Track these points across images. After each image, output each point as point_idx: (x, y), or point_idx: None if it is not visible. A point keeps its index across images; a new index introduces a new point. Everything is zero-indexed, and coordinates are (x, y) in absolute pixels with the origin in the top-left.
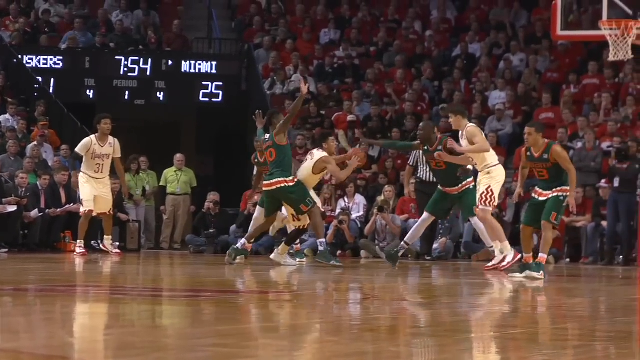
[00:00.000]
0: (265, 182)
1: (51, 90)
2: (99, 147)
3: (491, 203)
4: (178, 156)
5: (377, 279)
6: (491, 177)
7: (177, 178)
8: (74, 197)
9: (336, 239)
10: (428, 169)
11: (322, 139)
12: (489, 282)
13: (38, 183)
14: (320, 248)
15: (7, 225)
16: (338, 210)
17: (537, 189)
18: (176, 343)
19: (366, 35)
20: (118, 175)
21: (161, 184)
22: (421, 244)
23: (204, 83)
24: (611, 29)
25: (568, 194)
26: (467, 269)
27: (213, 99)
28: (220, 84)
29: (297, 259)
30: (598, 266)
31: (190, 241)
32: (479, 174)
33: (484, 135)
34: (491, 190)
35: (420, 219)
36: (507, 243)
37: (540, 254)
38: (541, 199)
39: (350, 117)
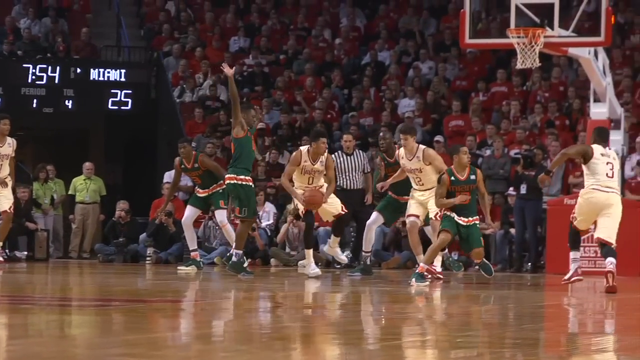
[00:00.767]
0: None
1: None
2: None
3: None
4: (87, 164)
5: (286, 287)
6: None
7: (86, 186)
8: None
9: (246, 247)
10: (349, 177)
11: (314, 138)
12: (399, 290)
13: None
14: (234, 258)
15: None
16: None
17: None
18: (84, 353)
19: (276, 43)
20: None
21: (70, 192)
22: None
23: (112, 91)
24: (519, 37)
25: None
26: (376, 277)
27: (122, 107)
28: (130, 92)
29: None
30: (507, 273)
31: (99, 250)
32: (427, 191)
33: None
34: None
35: (369, 221)
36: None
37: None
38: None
39: (259, 125)
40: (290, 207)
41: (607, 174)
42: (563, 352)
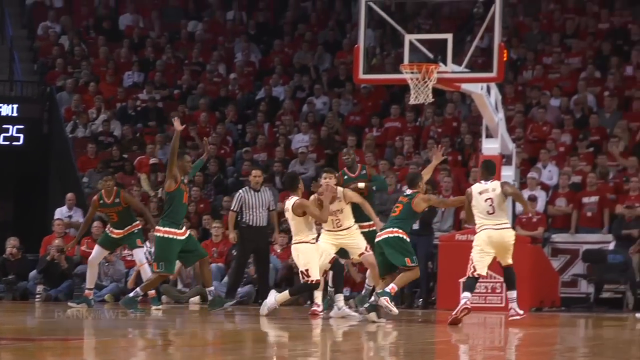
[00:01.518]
0: None
1: None
2: None
3: None
4: None
5: (177, 324)
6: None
7: None
8: None
9: (137, 283)
10: (255, 213)
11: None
12: (290, 326)
13: None
14: (131, 294)
15: None
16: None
17: None
18: None
19: (170, 78)
20: None
21: None
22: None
23: (4, 126)
24: (412, 73)
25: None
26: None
27: (13, 142)
28: (22, 127)
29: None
30: (398, 309)
31: None
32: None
33: None
34: None
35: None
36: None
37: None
38: None
39: (152, 160)
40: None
41: (487, 212)
42: None
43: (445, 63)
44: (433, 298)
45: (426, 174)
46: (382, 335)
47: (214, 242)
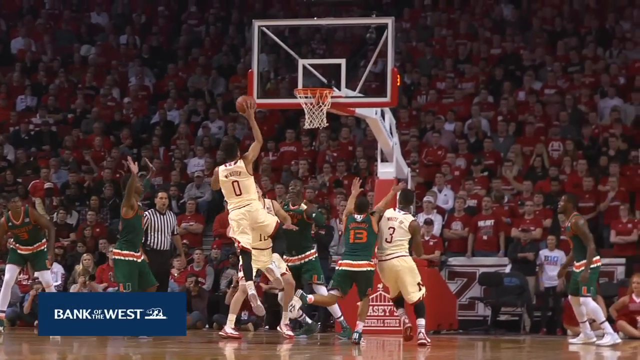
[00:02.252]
0: None
1: None
2: None
3: None
4: None
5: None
6: None
7: None
8: None
9: (34, 309)
10: (160, 236)
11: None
12: (203, 350)
13: None
14: None
15: None
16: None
17: None
18: None
19: (63, 102)
20: None
21: None
22: None
23: None
24: (306, 97)
25: None
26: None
27: None
28: None
29: None
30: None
31: None
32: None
33: None
34: None
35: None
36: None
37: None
38: None
39: (47, 185)
40: (78, 267)
41: (385, 239)
42: None
43: (339, 88)
44: (332, 322)
45: (349, 204)
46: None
47: (110, 266)
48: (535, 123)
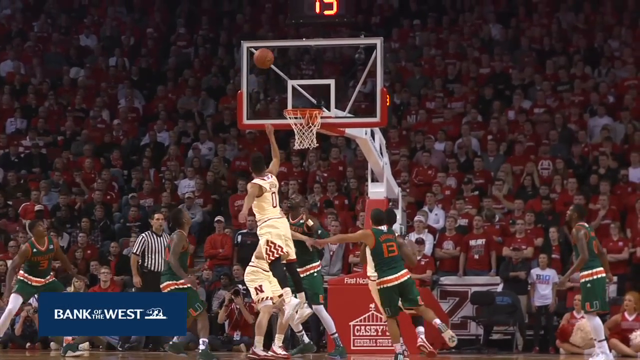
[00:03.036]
0: None
1: None
2: None
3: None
4: None
5: None
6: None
7: None
8: None
9: (26, 331)
10: (157, 258)
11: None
12: None
13: None
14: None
15: None
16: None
17: None
18: None
19: (53, 124)
20: None
21: None
22: None
23: None
24: (296, 118)
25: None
26: (155, 357)
27: None
28: None
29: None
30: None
31: None
32: None
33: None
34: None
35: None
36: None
37: None
38: None
39: (37, 207)
40: (70, 289)
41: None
42: None
43: (328, 108)
44: (324, 342)
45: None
46: None
47: (102, 287)
48: (525, 142)
